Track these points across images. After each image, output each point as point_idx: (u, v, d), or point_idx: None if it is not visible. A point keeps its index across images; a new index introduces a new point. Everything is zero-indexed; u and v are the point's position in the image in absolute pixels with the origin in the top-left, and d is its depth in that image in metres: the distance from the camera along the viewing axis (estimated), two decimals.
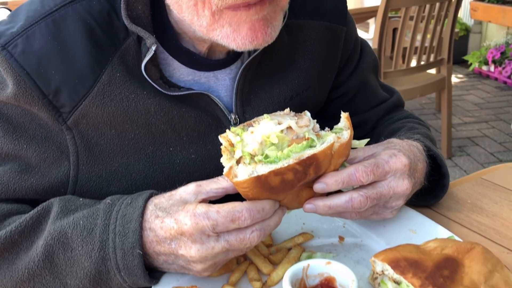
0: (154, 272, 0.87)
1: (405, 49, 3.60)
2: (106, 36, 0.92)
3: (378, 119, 1.25)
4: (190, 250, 0.78)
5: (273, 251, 0.97)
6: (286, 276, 0.80)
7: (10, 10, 1.45)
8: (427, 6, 3.42)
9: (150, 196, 0.86)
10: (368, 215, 0.93)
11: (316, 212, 0.87)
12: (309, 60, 1.12)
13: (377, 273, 0.82)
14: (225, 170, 0.80)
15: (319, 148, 0.79)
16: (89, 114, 0.92)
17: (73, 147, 0.95)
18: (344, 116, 0.86)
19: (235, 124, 1.02)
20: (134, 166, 0.98)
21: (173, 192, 0.86)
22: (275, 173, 0.76)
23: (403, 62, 3.73)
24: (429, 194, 1.09)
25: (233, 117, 1.02)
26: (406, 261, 0.76)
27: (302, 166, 0.77)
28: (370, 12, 4.19)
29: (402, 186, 0.89)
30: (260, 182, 0.77)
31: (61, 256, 0.84)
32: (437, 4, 3.46)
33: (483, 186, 1.23)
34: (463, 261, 0.76)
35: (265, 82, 1.06)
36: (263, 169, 0.77)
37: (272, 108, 1.06)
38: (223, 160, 0.81)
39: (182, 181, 1.01)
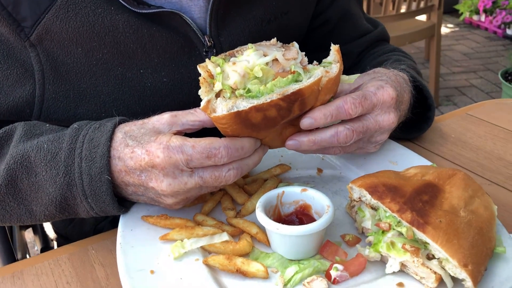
0: (123, 201, 0.83)
1: None
2: None
3: (361, 51, 1.20)
4: (161, 184, 0.74)
5: (249, 182, 0.93)
6: (260, 202, 0.77)
7: None
8: None
9: (120, 122, 0.81)
10: (352, 151, 0.89)
11: (300, 148, 0.82)
12: None
13: (354, 200, 0.78)
14: (202, 104, 0.73)
15: (305, 83, 0.73)
16: (53, 29, 0.87)
17: (38, 65, 0.89)
18: (334, 48, 0.80)
19: (209, 48, 0.96)
20: (103, 87, 0.93)
21: (146, 120, 0.80)
22: (257, 109, 0.70)
23: (393, 8, 3.64)
24: (414, 126, 1.05)
25: (207, 39, 0.96)
26: (384, 186, 0.73)
27: (286, 102, 0.72)
28: None
29: (388, 120, 0.85)
30: (240, 118, 0.71)
31: (24, 181, 0.80)
32: None
33: (468, 121, 1.19)
34: (444, 187, 0.73)
35: (242, 4, 0.99)
36: (243, 104, 0.71)
37: (249, 31, 1.00)
38: (201, 92, 0.74)
39: (153, 105, 0.96)
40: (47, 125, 0.86)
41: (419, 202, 0.69)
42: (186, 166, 0.73)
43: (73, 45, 0.89)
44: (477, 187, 0.75)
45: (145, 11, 0.89)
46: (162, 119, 0.79)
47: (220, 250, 0.75)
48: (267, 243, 0.77)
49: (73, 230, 1.21)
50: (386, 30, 1.27)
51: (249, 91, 0.73)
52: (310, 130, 0.81)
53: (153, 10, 0.89)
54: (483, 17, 5.75)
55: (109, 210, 0.79)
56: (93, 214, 0.81)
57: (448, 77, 4.58)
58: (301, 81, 0.74)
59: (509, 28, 5.37)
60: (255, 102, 0.71)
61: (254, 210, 0.85)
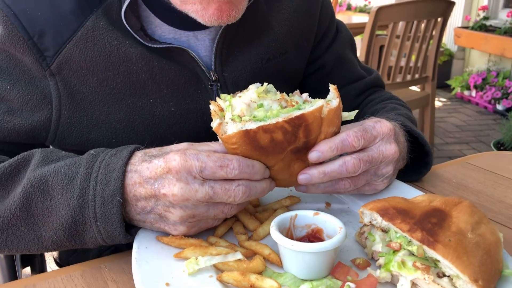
0: (129, 229, 0.85)
1: (390, 67, 3.67)
2: None
3: (357, 94, 1.28)
4: (174, 188, 0.76)
5: (260, 210, 0.96)
6: (274, 222, 0.80)
7: None
8: (414, 24, 3.50)
9: (136, 148, 0.85)
10: (361, 186, 0.92)
11: (311, 182, 0.85)
12: (286, 27, 1.16)
13: (365, 224, 0.81)
14: (214, 125, 0.79)
15: (308, 109, 0.79)
16: (72, 59, 0.94)
17: (56, 92, 0.96)
18: (332, 87, 0.86)
19: (214, 81, 1.05)
20: (115, 115, 0.99)
21: (164, 147, 0.85)
22: (264, 129, 0.76)
23: (388, 78, 3.80)
24: (413, 170, 1.10)
25: (212, 74, 1.05)
26: (394, 209, 0.76)
27: (291, 126, 0.77)
28: (358, 29, 4.27)
29: (391, 149, 0.90)
30: (249, 138, 0.76)
31: (39, 204, 0.82)
32: (423, 24, 3.54)
33: (468, 169, 1.24)
34: (451, 213, 0.76)
35: (243, 45, 1.09)
36: (252, 126, 0.76)
37: (250, 67, 1.09)
38: (213, 123, 0.80)
39: (161, 132, 1.02)
40: (63, 152, 0.90)
41: (428, 223, 0.73)
42: (199, 174, 0.76)
43: (89, 74, 0.96)
44: (483, 215, 0.79)
45: (156, 46, 0.98)
46: (180, 145, 0.84)
47: (234, 268, 0.77)
48: (280, 264, 0.79)
49: (76, 260, 1.21)
50: (380, 77, 1.36)
51: (255, 117, 0.78)
52: (319, 164, 0.85)
53: (164, 45, 0.98)
54: (474, 93, 5.98)
55: (115, 235, 0.81)
56: (100, 240, 0.82)
57: (442, 147, 4.69)
58: (304, 109, 0.79)
59: (498, 103, 5.57)
60: (262, 123, 0.76)
61: (265, 236, 0.87)
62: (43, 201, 0.82)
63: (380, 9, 3.31)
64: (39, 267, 1.42)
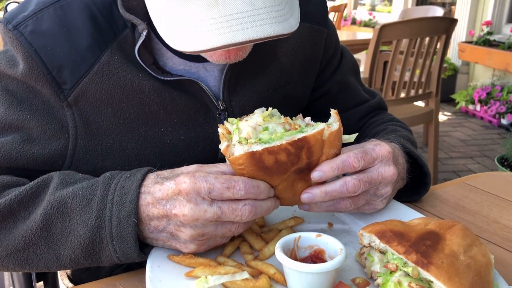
0: (143, 248, 0.90)
1: (394, 83, 3.73)
2: (107, 24, 1.02)
3: (360, 117, 1.33)
4: (184, 208, 0.82)
5: (266, 231, 1.01)
6: (279, 243, 0.85)
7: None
8: (418, 40, 3.56)
9: (149, 171, 0.91)
10: (361, 205, 0.97)
11: (313, 200, 0.90)
12: (292, 57, 1.22)
13: (364, 245, 0.86)
14: (222, 147, 0.85)
15: (310, 132, 0.84)
16: (88, 92, 1.00)
17: (73, 122, 1.02)
18: (333, 112, 0.92)
19: (222, 111, 1.11)
20: (128, 143, 1.05)
21: (175, 169, 0.91)
22: (269, 151, 0.82)
23: (392, 93, 3.85)
24: (412, 190, 1.15)
25: (220, 104, 1.11)
26: (391, 232, 0.81)
27: (294, 148, 0.83)
28: (363, 45, 4.35)
29: (389, 171, 0.95)
30: (255, 159, 0.82)
31: (58, 225, 0.88)
32: (427, 40, 3.60)
33: (466, 189, 1.29)
34: (445, 235, 0.81)
35: (250, 75, 1.15)
36: (257, 147, 0.82)
37: (256, 97, 1.15)
38: (221, 145, 0.86)
39: (171, 160, 1.08)
40: (80, 174, 0.97)
41: (423, 246, 0.78)
42: (208, 196, 0.82)
43: (104, 105, 1.02)
44: (475, 237, 0.84)
45: (168, 79, 1.03)
46: (190, 167, 0.90)
47: (241, 287, 0.82)
48: (284, 283, 0.84)
49: (89, 277, 1.26)
50: (384, 100, 1.41)
51: (261, 139, 0.85)
52: (321, 184, 0.91)
53: (175, 78, 1.04)
54: (478, 107, 6.02)
55: (130, 254, 0.86)
56: (115, 259, 0.87)
57: (447, 161, 4.72)
58: (306, 132, 0.85)
59: (503, 118, 5.61)
60: (267, 145, 0.82)
61: (270, 256, 0.92)
62: (62, 222, 0.88)
63: (384, 27, 3.38)
64: (51, 282, 1.48)
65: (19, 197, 0.90)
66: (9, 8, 1.53)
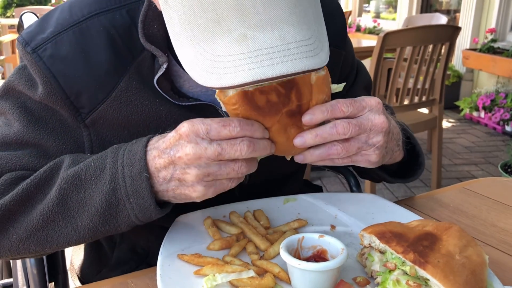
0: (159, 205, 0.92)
1: (398, 89, 3.77)
2: (126, 47, 1.02)
3: None
4: (186, 149, 0.85)
5: (270, 233, 1.05)
6: (283, 243, 0.89)
7: (35, 15, 1.57)
8: (421, 48, 3.61)
9: (151, 137, 0.94)
10: (353, 153, 0.95)
11: (305, 143, 0.91)
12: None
13: (365, 246, 0.90)
14: (217, 90, 0.89)
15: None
16: (106, 116, 1.03)
17: (89, 143, 1.05)
18: None
19: None
20: None
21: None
22: (260, 91, 0.85)
23: (396, 100, 3.90)
24: (408, 171, 1.19)
25: None
26: (390, 233, 0.85)
27: (283, 88, 0.86)
28: (367, 52, 4.39)
29: (379, 119, 0.94)
30: (247, 98, 0.86)
31: (74, 197, 0.91)
32: (430, 47, 3.64)
33: (465, 194, 1.33)
34: (442, 237, 0.85)
35: None
36: (249, 88, 0.85)
37: None
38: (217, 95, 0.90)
39: None
40: (88, 154, 1.01)
41: (420, 246, 0.82)
42: (206, 135, 0.85)
43: (121, 128, 1.04)
44: (470, 239, 0.88)
45: (185, 104, 1.05)
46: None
47: (248, 284, 0.86)
48: (288, 281, 0.89)
49: (101, 279, 1.30)
50: (394, 111, 1.45)
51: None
52: (313, 128, 0.92)
53: (192, 103, 1.06)
54: (482, 114, 6.04)
55: (147, 208, 0.90)
56: (133, 217, 0.91)
57: (450, 168, 4.74)
58: None
59: (507, 125, 5.63)
60: (259, 86, 0.85)
61: (275, 256, 0.97)
62: (78, 194, 0.92)
63: (388, 35, 3.43)
64: (62, 283, 1.52)
65: (35, 181, 0.94)
66: (24, 19, 1.56)
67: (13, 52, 7.32)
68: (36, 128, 1.02)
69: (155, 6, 0.98)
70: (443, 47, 3.71)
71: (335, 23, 1.25)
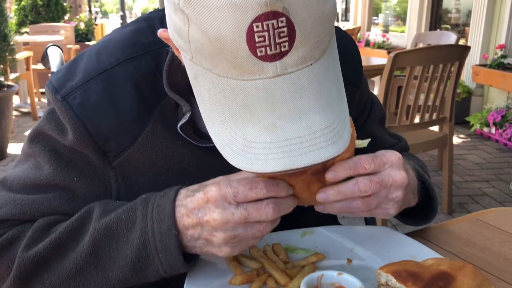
0: (186, 259, 0.96)
1: (409, 106, 3.80)
2: (150, 91, 1.07)
3: None
4: (214, 214, 0.89)
5: (289, 267, 1.09)
6: (304, 281, 0.93)
7: (59, 47, 1.63)
8: (431, 67, 3.64)
9: (180, 188, 0.98)
10: (373, 207, 1.00)
11: (328, 199, 0.95)
12: None
13: (381, 284, 0.94)
14: None
15: None
16: (132, 159, 1.08)
17: (116, 183, 1.10)
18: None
19: None
20: None
21: (203, 182, 0.98)
22: None
23: (407, 118, 3.93)
24: (421, 215, 1.22)
25: None
26: (406, 272, 0.89)
27: None
28: (377, 70, 4.44)
29: (400, 175, 0.99)
30: None
31: (106, 248, 0.96)
32: (441, 66, 3.68)
33: (478, 225, 1.36)
34: (456, 276, 0.89)
35: None
36: None
37: None
38: None
39: None
40: (116, 201, 1.05)
41: (435, 286, 0.85)
42: (233, 199, 0.89)
43: (146, 169, 1.09)
44: (485, 278, 0.91)
45: (206, 145, 1.09)
46: (216, 179, 0.97)
47: None
48: None
49: None
50: (407, 142, 1.49)
51: None
52: (335, 184, 0.96)
53: (213, 144, 1.05)
54: (493, 130, 6.05)
55: (175, 263, 0.94)
56: (161, 271, 0.95)
57: (461, 185, 4.75)
58: None
59: None
60: None
61: None
62: (110, 245, 0.96)
63: (398, 55, 3.47)
64: None
65: (67, 229, 0.99)
66: (49, 52, 1.62)
67: (27, 69, 7.46)
68: (66, 171, 1.07)
69: (179, 61, 1.02)
70: (453, 66, 3.74)
71: (352, 61, 1.29)
